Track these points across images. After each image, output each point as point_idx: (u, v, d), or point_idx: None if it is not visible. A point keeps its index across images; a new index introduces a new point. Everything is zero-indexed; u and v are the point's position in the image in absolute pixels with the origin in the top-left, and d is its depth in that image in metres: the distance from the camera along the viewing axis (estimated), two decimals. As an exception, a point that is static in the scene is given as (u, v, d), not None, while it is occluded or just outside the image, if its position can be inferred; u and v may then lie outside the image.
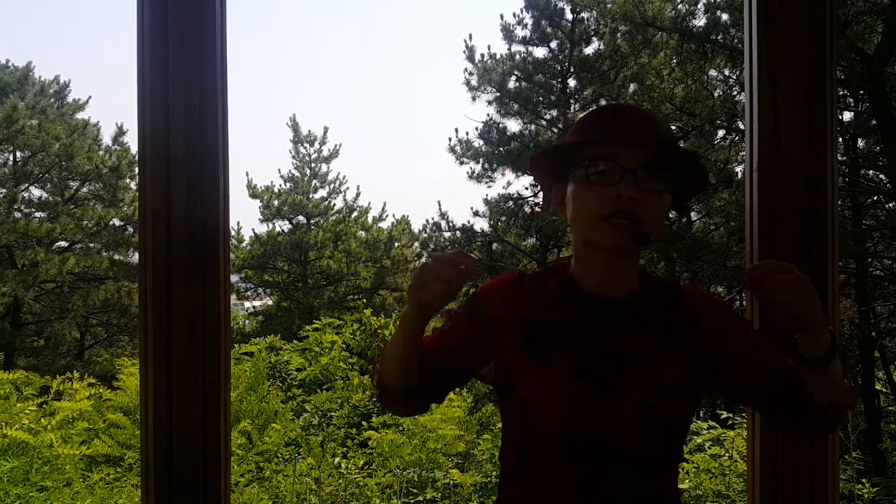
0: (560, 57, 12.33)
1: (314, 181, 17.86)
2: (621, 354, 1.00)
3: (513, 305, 1.06)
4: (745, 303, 4.09)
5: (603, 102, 11.34)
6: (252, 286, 18.19)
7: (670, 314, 1.05)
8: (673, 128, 9.29)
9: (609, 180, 0.97)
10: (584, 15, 11.68)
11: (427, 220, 14.25)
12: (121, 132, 15.76)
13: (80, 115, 15.84)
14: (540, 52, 12.41)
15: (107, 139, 15.85)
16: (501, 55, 12.44)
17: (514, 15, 12.38)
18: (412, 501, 4.70)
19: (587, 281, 1.05)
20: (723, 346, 1.05)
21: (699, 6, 9.12)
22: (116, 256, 15.23)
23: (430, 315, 0.98)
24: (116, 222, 15.59)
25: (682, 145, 1.09)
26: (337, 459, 5.36)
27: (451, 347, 1.09)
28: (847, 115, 8.29)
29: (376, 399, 1.21)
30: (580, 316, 1.02)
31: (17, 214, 14.33)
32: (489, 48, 12.54)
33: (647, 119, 1.02)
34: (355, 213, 18.15)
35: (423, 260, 16.46)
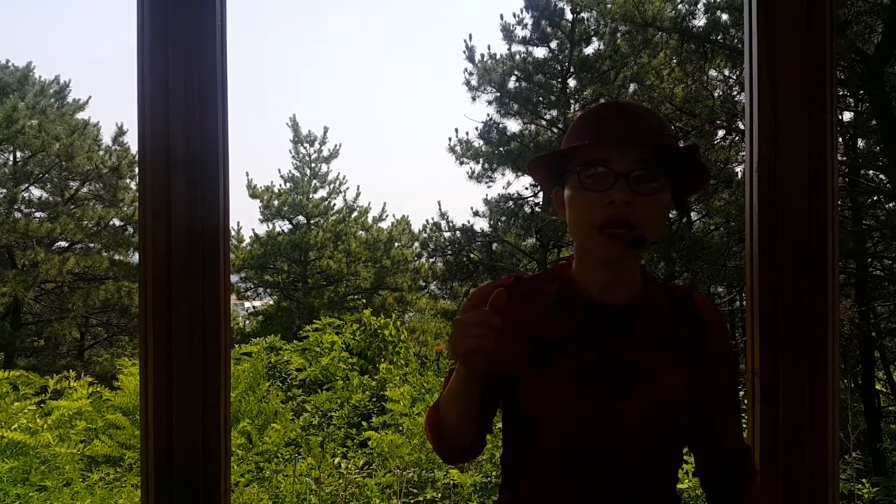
0: (560, 57, 12.33)
1: (314, 181, 17.87)
2: (625, 364, 0.98)
3: (512, 310, 1.02)
4: (745, 302, 4.08)
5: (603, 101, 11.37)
6: (252, 286, 18.20)
7: (680, 325, 1.03)
8: (673, 127, 9.30)
9: (602, 185, 0.94)
10: (584, 15, 11.69)
11: (427, 220, 14.30)
12: (121, 132, 15.78)
13: (80, 115, 15.85)
14: (540, 52, 12.43)
15: (107, 139, 15.89)
16: (501, 55, 12.44)
17: (514, 15, 12.39)
18: (412, 501, 4.69)
19: (588, 285, 1.03)
20: (708, 378, 1.04)
21: (699, 6, 9.13)
22: (116, 256, 15.24)
23: (481, 366, 0.92)
24: (116, 222, 15.60)
25: (680, 142, 1.03)
26: (337, 459, 5.36)
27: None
28: (847, 115, 8.29)
29: (443, 461, 1.18)
30: (583, 323, 1.01)
31: (17, 214, 14.34)
32: (489, 48, 12.56)
33: (640, 117, 0.98)
34: (355, 213, 18.16)
35: (423, 260, 16.48)
